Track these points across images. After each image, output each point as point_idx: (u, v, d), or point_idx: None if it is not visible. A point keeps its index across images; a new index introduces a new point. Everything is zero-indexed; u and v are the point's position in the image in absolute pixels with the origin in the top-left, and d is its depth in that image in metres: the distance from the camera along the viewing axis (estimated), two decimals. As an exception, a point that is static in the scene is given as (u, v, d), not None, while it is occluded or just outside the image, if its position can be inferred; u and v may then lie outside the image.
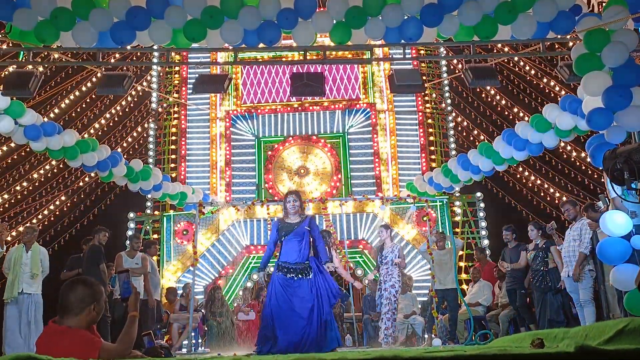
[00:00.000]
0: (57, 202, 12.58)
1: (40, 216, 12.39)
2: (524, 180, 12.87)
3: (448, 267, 8.83)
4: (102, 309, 3.16)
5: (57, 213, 12.53)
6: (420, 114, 12.58)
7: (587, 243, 6.85)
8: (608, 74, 5.93)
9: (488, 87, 12.67)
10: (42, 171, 12.40)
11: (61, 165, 12.13)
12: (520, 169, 12.69)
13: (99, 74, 9.25)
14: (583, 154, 12.38)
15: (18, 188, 12.31)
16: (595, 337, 2.09)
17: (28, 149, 9.59)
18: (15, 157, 11.98)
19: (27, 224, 8.39)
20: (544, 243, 7.78)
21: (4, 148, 11.65)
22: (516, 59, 12.74)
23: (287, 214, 6.26)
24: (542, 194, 12.86)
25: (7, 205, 12.26)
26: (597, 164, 5.73)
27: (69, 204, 12.65)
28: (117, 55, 9.63)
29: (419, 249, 9.91)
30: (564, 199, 12.30)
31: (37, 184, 12.43)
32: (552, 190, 12.82)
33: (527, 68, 13.12)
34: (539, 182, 12.84)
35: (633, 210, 5.52)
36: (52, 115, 12.08)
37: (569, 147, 12.44)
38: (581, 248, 6.89)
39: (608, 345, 1.89)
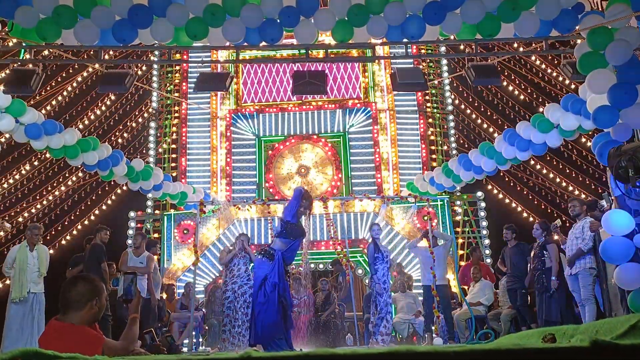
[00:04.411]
0: (58, 202, 12.56)
1: (40, 215, 12.37)
2: (525, 180, 12.84)
3: (439, 262, 8.84)
4: (103, 305, 3.16)
5: (58, 212, 12.50)
6: (421, 113, 12.56)
7: (588, 240, 6.84)
8: (612, 72, 5.92)
9: (489, 86, 12.65)
10: (42, 170, 12.38)
11: (62, 164, 12.11)
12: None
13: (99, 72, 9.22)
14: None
15: (18, 186, 12.29)
16: (606, 333, 2.07)
17: (29, 148, 9.55)
18: (16, 155, 11.94)
19: (31, 223, 8.34)
20: (542, 242, 7.77)
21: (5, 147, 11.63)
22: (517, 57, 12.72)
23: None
24: (543, 193, 12.84)
25: (7, 204, 12.23)
26: (605, 162, 5.70)
27: (69, 203, 12.62)
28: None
29: (410, 243, 9.93)
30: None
31: (37, 182, 12.41)
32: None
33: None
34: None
35: (636, 208, 5.50)
36: (52, 113, 12.04)
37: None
38: (581, 244, 6.88)
39: (621, 340, 1.88)
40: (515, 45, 10.42)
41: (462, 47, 10.44)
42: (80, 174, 12.40)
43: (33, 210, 12.32)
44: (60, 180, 12.58)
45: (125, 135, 13.11)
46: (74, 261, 8.16)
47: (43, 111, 10.68)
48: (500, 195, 12.86)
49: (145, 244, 8.62)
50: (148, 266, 8.25)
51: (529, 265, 8.25)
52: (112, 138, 12.89)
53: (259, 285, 6.17)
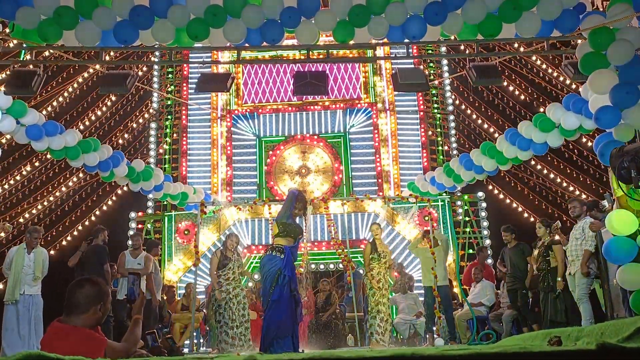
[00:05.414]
0: (58, 202, 12.54)
1: (41, 216, 12.36)
2: (526, 180, 12.83)
3: (438, 263, 8.84)
4: (107, 310, 3.13)
5: (59, 213, 12.50)
6: (421, 113, 12.55)
7: (590, 240, 6.82)
8: (614, 72, 5.91)
9: (490, 86, 12.64)
10: (43, 170, 12.37)
11: (62, 165, 12.09)
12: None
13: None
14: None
15: (19, 187, 12.28)
16: (611, 335, 2.06)
17: (30, 149, 9.54)
18: (17, 156, 11.93)
19: (31, 226, 8.32)
20: (548, 242, 7.75)
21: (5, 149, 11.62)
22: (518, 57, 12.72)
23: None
24: (543, 194, 12.83)
25: (8, 205, 12.23)
26: (607, 162, 5.70)
27: (70, 204, 12.61)
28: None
29: (410, 244, 9.93)
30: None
31: (38, 183, 12.40)
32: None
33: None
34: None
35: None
36: (53, 114, 12.04)
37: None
38: (585, 245, 6.85)
39: (627, 343, 1.87)
40: (516, 45, 10.40)
41: (462, 47, 10.43)
42: (80, 175, 12.39)
43: (34, 211, 12.32)
44: (61, 181, 12.58)
45: (125, 136, 13.10)
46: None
47: (44, 112, 10.67)
48: (501, 196, 12.84)
49: (141, 244, 8.62)
50: (146, 266, 8.24)
51: (529, 265, 8.23)
52: (113, 139, 12.88)
53: (272, 282, 6.08)
